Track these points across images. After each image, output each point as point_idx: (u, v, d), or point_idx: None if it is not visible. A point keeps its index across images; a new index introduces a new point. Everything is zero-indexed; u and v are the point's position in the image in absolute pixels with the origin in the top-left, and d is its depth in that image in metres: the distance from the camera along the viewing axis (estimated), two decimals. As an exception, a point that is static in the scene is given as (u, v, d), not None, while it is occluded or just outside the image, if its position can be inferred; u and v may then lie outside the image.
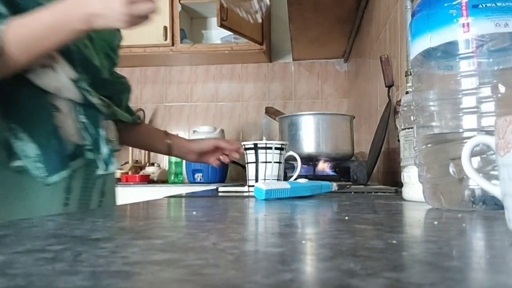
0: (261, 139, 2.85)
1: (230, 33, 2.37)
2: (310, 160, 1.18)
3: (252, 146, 0.85)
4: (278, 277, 0.18)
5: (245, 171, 0.89)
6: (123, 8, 0.64)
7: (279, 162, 0.86)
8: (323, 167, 1.22)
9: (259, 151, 0.85)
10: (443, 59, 0.48)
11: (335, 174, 1.21)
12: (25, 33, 0.63)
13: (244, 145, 0.87)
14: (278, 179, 0.86)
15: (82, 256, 0.22)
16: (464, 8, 0.45)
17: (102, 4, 0.64)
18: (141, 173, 2.37)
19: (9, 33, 0.62)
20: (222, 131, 2.35)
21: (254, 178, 0.86)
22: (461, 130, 0.46)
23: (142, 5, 0.65)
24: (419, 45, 0.50)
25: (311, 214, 0.47)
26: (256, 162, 0.85)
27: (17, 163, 0.68)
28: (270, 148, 0.85)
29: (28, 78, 0.68)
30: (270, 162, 0.85)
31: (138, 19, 0.67)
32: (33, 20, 0.64)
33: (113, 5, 0.64)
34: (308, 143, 1.18)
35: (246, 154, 0.87)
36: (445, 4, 0.47)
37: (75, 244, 0.26)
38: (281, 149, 0.86)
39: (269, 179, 0.85)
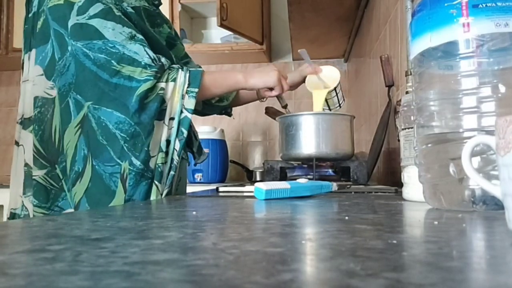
0: (262, 139, 2.86)
1: (230, 33, 2.37)
2: (310, 160, 1.17)
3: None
4: (278, 277, 0.18)
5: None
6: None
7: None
8: (323, 166, 1.22)
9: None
10: (443, 59, 0.48)
11: (335, 174, 1.21)
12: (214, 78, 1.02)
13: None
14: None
15: (82, 256, 0.22)
16: (464, 8, 0.45)
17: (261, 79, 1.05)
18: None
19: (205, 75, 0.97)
20: (222, 131, 2.35)
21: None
22: (461, 130, 0.46)
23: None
24: (419, 45, 0.50)
25: (311, 214, 0.47)
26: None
27: None
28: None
29: None
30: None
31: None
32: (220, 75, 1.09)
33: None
34: (308, 143, 1.17)
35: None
36: (445, 4, 0.46)
37: (75, 244, 0.26)
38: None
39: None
